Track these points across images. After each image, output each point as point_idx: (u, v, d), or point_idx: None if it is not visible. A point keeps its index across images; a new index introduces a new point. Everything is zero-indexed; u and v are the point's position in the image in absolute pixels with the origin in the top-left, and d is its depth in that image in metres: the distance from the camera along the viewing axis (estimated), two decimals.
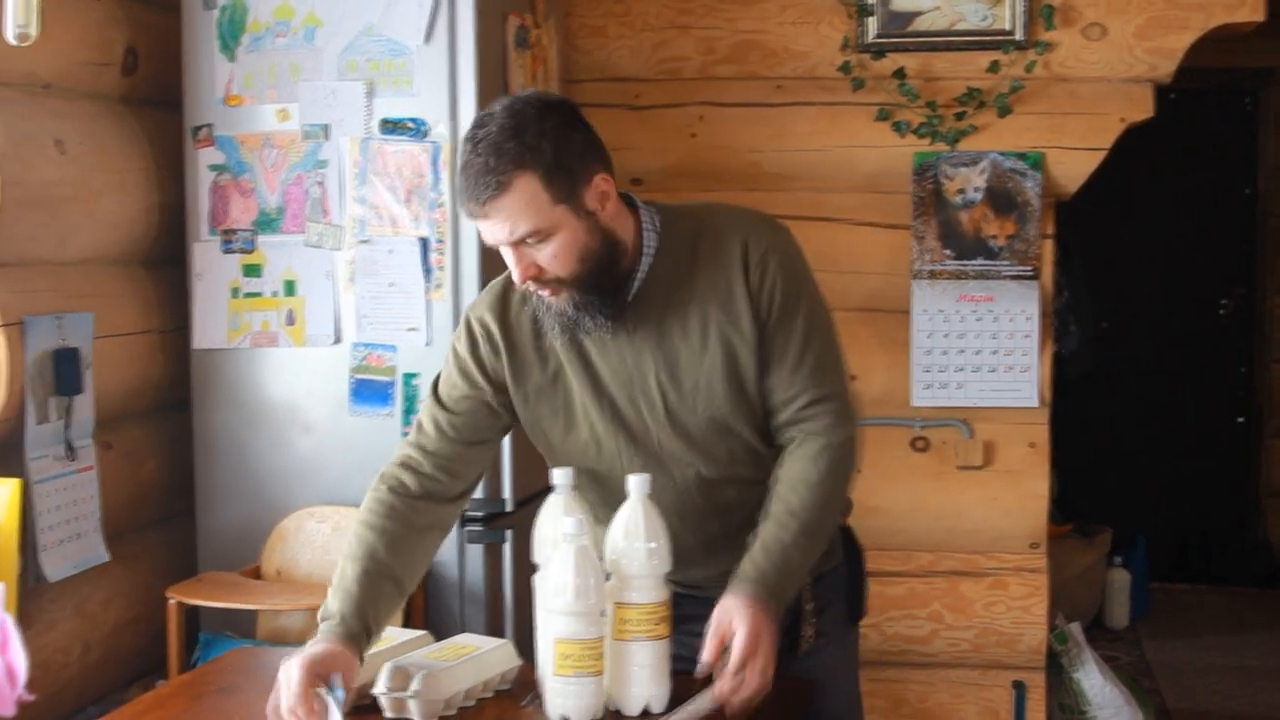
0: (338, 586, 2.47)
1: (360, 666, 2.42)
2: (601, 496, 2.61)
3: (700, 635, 2.43)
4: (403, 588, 2.53)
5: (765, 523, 2.49)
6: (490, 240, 2.42)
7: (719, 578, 2.51)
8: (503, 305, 2.61)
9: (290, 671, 2.32)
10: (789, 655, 2.63)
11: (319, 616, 2.46)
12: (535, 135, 2.37)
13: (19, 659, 1.62)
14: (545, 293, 2.46)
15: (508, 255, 2.42)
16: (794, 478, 2.51)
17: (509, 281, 2.57)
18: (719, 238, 2.55)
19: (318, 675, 2.33)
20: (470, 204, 2.38)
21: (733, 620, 2.37)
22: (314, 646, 2.38)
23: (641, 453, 2.56)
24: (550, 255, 2.40)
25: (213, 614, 3.76)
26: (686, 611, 2.55)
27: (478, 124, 2.41)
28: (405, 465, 2.62)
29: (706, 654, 2.37)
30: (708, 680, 2.40)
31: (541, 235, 2.38)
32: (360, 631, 2.43)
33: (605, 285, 2.46)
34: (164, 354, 3.98)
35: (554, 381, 2.58)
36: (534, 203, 2.36)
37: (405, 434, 3.72)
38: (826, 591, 2.72)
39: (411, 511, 2.57)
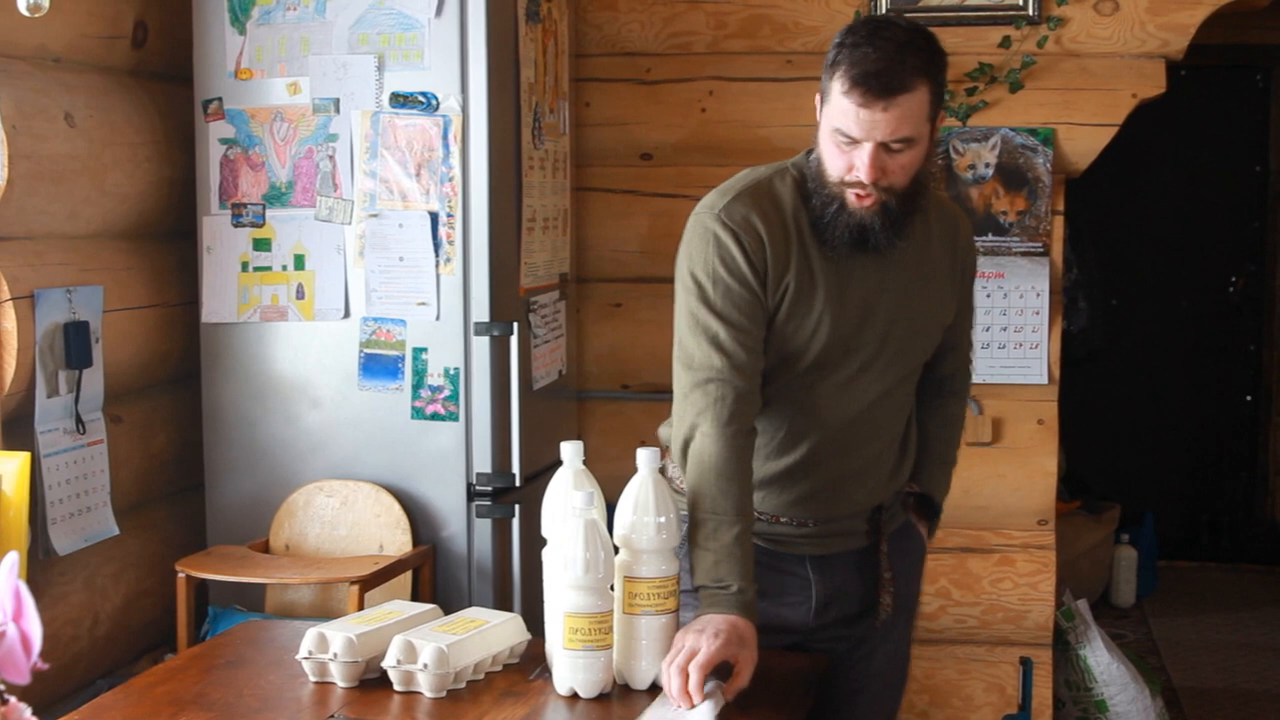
0: (722, 548, 2.48)
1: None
2: (777, 392, 2.65)
3: (779, 599, 2.68)
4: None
5: (936, 461, 2.90)
6: (863, 134, 2.47)
7: (811, 521, 2.69)
8: (758, 206, 2.60)
9: (704, 649, 2.34)
10: (855, 626, 2.76)
11: (707, 580, 2.46)
12: (938, 56, 2.54)
13: (34, 627, 1.62)
14: (868, 200, 2.53)
15: (862, 153, 2.48)
16: (956, 418, 2.94)
17: (754, 189, 2.63)
18: (946, 208, 2.83)
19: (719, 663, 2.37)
20: (869, 94, 2.44)
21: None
22: (724, 620, 2.40)
23: (844, 362, 2.64)
24: (902, 163, 2.51)
25: (222, 587, 3.77)
26: (769, 566, 2.67)
27: (880, 24, 2.52)
28: (739, 398, 2.55)
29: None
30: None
31: (909, 143, 2.50)
32: (755, 600, 2.48)
33: (911, 206, 2.59)
34: (173, 328, 3.99)
35: (803, 284, 2.60)
36: (920, 111, 2.49)
37: (415, 408, 3.76)
38: (900, 555, 2.82)
39: (750, 450, 2.58)
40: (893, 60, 2.44)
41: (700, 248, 2.60)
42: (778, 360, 2.62)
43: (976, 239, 4.44)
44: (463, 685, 2.47)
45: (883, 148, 2.48)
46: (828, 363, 2.63)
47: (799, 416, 2.65)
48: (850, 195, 2.53)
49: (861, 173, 2.49)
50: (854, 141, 2.49)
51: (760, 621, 2.51)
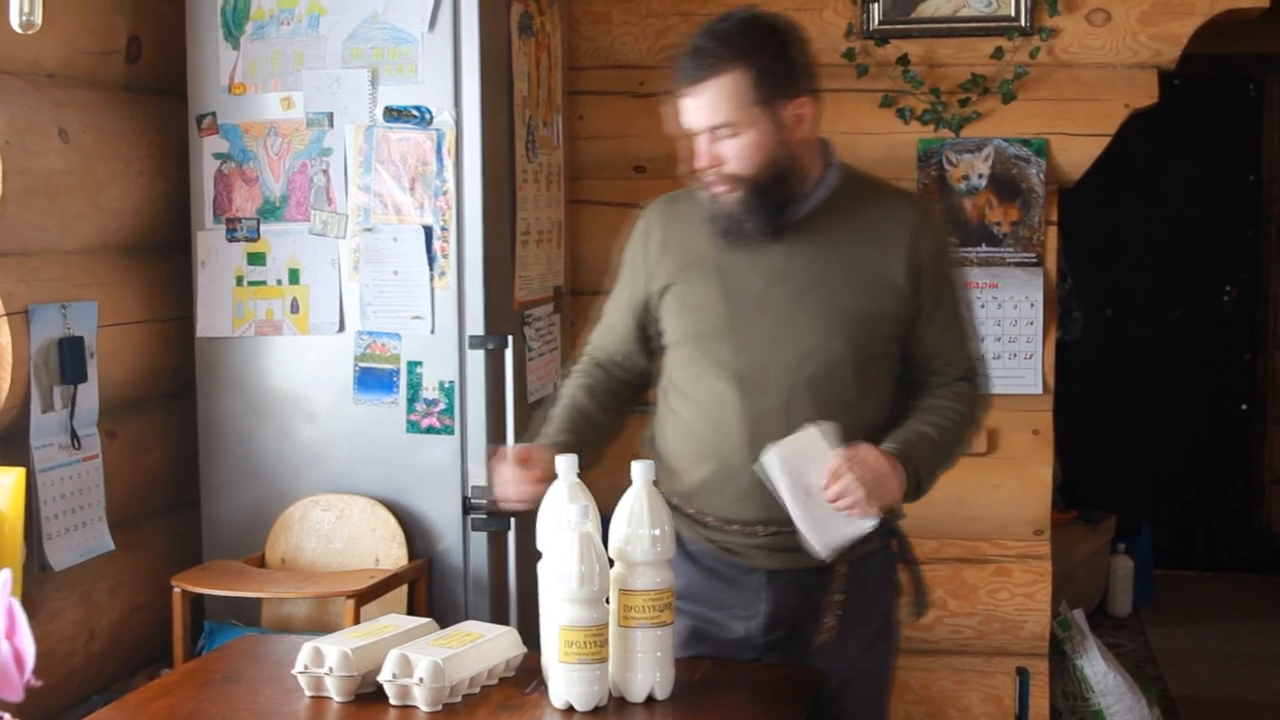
0: (547, 422, 2.81)
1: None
2: (691, 389, 2.75)
3: (731, 612, 2.73)
4: (596, 423, 2.82)
5: (905, 423, 2.71)
6: (688, 121, 2.62)
7: (760, 528, 2.67)
8: (669, 202, 2.85)
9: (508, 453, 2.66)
10: (804, 645, 2.72)
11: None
12: (761, 40, 2.58)
13: (27, 644, 1.62)
14: (721, 188, 2.62)
15: (698, 142, 2.62)
16: (942, 401, 2.75)
17: (681, 190, 2.84)
18: (897, 202, 2.78)
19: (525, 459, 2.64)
20: (682, 81, 2.59)
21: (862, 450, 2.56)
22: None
23: (745, 355, 2.68)
24: (734, 150, 2.59)
25: (218, 602, 3.77)
26: (724, 578, 2.73)
27: (717, 19, 2.62)
28: (590, 348, 2.95)
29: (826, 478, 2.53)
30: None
31: (733, 129, 2.57)
32: (562, 443, 2.70)
33: (774, 197, 2.62)
34: (168, 342, 3.98)
35: (691, 270, 2.74)
36: (736, 96, 2.55)
37: (410, 422, 3.77)
38: (858, 581, 2.75)
39: (600, 376, 2.90)
40: (702, 50, 2.57)
41: None
42: (681, 352, 2.76)
43: (970, 250, 4.47)
44: (458, 699, 2.47)
45: (711, 135, 2.59)
46: (732, 350, 2.69)
47: (716, 412, 2.70)
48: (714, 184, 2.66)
49: (698, 163, 2.63)
50: (695, 132, 2.62)
51: (710, 633, 2.76)
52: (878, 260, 2.68)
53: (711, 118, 2.57)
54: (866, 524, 2.55)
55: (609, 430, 2.86)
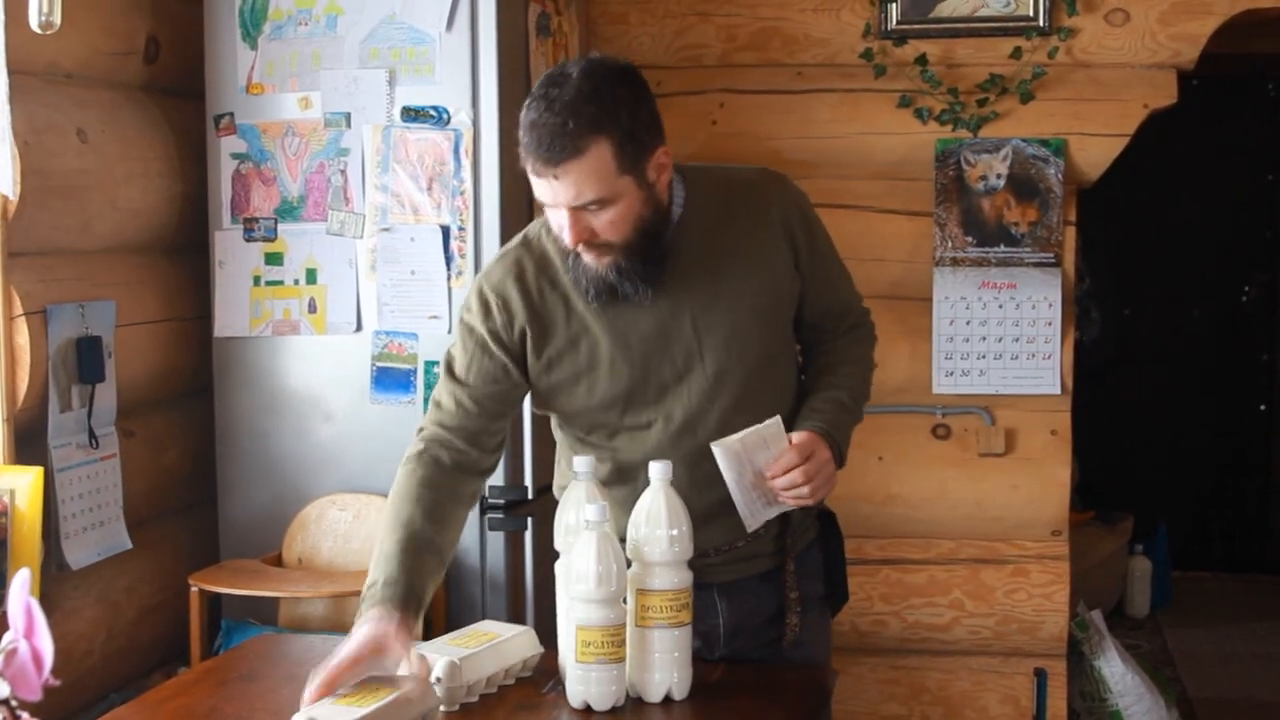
0: (378, 558, 2.49)
1: (412, 629, 2.43)
2: (620, 463, 2.63)
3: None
4: (442, 555, 2.54)
5: (817, 388, 2.67)
6: (550, 200, 2.41)
7: (712, 551, 2.59)
8: (519, 271, 2.59)
9: (338, 656, 2.33)
10: (776, 646, 2.69)
11: (363, 591, 2.47)
12: (612, 102, 2.37)
13: (45, 643, 1.62)
14: (590, 256, 2.46)
15: (560, 216, 2.41)
16: (843, 355, 2.73)
17: (521, 248, 2.62)
18: (750, 190, 2.63)
19: (359, 664, 2.34)
20: (539, 163, 2.36)
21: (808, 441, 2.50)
22: (361, 627, 2.38)
23: (670, 406, 2.58)
24: (607, 222, 2.41)
25: (235, 601, 3.77)
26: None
27: (552, 82, 2.38)
28: (433, 440, 2.60)
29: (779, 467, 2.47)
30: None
31: (604, 203, 2.38)
32: (406, 594, 2.44)
33: (650, 253, 2.48)
34: (186, 342, 3.99)
35: (578, 342, 2.57)
36: (604, 170, 2.36)
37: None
38: (804, 579, 2.73)
39: (444, 482, 2.56)
40: (556, 126, 2.33)
41: (464, 306, 2.64)
42: (589, 418, 2.62)
43: (988, 250, 4.46)
44: (475, 699, 2.46)
45: (580, 210, 2.39)
46: (647, 402, 2.58)
47: (647, 456, 2.56)
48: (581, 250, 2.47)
49: (564, 238, 2.44)
50: (553, 205, 2.43)
51: None
52: (753, 250, 2.59)
53: (580, 197, 2.37)
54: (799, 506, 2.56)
55: (449, 555, 2.59)
